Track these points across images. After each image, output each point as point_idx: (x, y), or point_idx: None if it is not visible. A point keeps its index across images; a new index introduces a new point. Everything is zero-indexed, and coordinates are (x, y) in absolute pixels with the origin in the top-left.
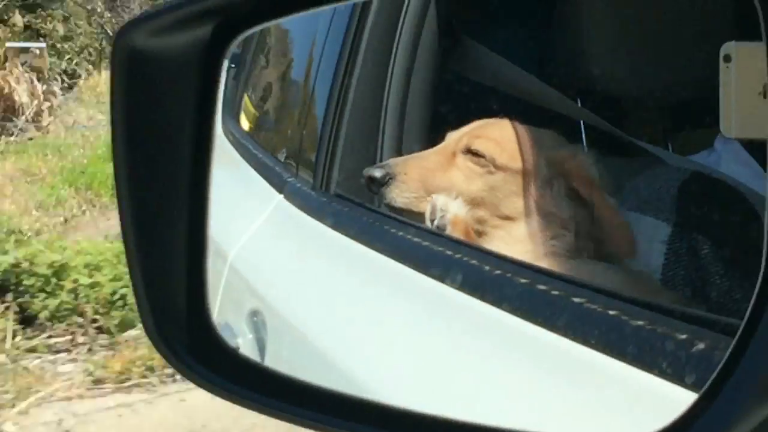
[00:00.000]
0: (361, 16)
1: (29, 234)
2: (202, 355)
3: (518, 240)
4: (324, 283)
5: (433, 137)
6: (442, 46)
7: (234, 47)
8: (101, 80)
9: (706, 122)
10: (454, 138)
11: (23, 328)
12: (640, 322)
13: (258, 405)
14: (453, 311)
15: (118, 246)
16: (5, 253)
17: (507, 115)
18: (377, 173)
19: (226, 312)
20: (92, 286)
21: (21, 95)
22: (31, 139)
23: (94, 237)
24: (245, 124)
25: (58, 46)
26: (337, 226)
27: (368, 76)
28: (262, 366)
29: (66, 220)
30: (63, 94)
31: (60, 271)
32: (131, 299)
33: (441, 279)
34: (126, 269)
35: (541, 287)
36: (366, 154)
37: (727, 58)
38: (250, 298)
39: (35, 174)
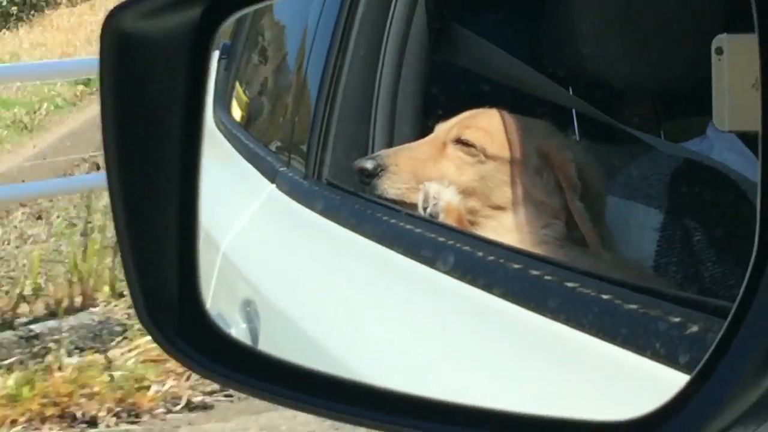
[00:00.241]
0: (352, 4)
1: None
2: (195, 339)
3: (510, 229)
4: (316, 272)
5: (424, 125)
6: (432, 34)
7: (224, 30)
8: None
9: (698, 110)
10: (445, 128)
11: None
12: (633, 306)
13: (252, 389)
14: (445, 297)
15: None
16: None
17: (498, 103)
18: (368, 165)
19: (219, 302)
20: None
21: None
22: None
23: None
24: (237, 113)
25: None
26: (329, 215)
27: (359, 65)
28: (256, 350)
29: None
30: None
31: None
32: None
33: (433, 265)
34: None
35: (534, 272)
36: (358, 142)
37: (719, 51)
38: (243, 287)
39: None
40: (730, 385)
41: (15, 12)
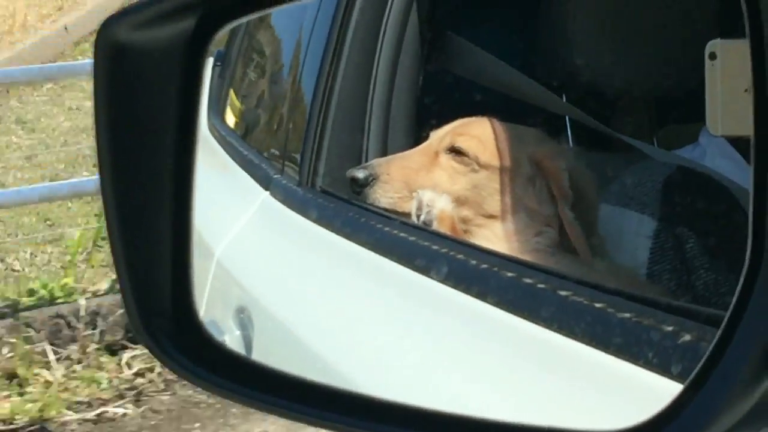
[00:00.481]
0: (345, 12)
1: None
2: (189, 348)
3: (502, 238)
4: (310, 279)
5: (417, 132)
6: (426, 42)
7: (217, 41)
8: None
9: (690, 117)
10: (437, 137)
11: None
12: (627, 315)
13: (246, 398)
14: (439, 305)
15: None
16: None
17: (491, 111)
18: (360, 174)
19: (213, 309)
20: None
21: None
22: None
23: None
24: (231, 120)
25: None
26: (322, 222)
27: (353, 72)
28: (250, 359)
29: None
30: None
31: None
32: None
33: (427, 273)
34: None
35: (527, 280)
36: (352, 149)
37: (713, 56)
38: (237, 294)
39: None
40: (723, 395)
41: None
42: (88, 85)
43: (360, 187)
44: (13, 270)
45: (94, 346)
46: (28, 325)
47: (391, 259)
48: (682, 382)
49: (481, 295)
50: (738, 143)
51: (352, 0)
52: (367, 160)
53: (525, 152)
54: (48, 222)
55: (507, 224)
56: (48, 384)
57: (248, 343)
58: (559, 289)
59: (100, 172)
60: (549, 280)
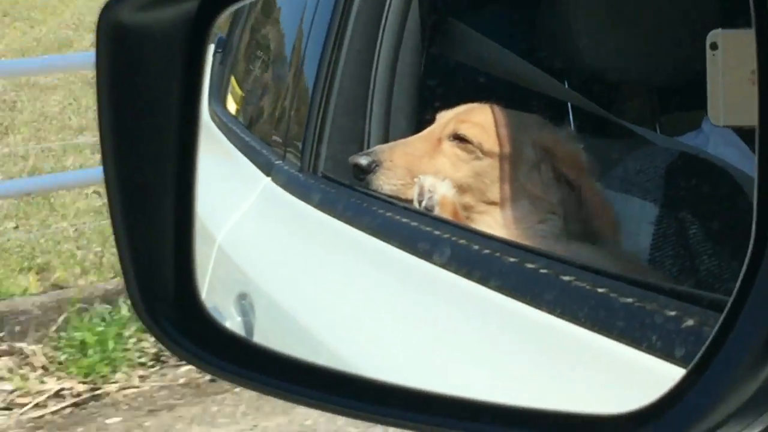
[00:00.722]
0: None
1: None
2: (191, 330)
3: (505, 225)
4: (312, 265)
5: (420, 118)
6: (428, 28)
7: (219, 26)
8: None
9: (693, 104)
10: (440, 123)
11: None
12: (629, 300)
13: (248, 381)
14: (441, 290)
15: None
16: None
17: (493, 98)
18: (363, 161)
19: (214, 295)
20: None
21: None
22: None
23: None
24: (232, 106)
25: None
26: (324, 208)
27: (355, 58)
28: (252, 342)
29: None
30: None
31: None
32: None
33: (429, 258)
34: None
35: (530, 266)
36: (353, 135)
37: (714, 46)
38: (238, 280)
39: None
40: (726, 379)
41: None
42: None
43: (363, 173)
44: None
45: None
46: None
47: (393, 245)
48: (685, 367)
49: (484, 280)
50: (741, 130)
51: None
52: (368, 146)
53: (528, 139)
54: None
55: (510, 211)
56: None
57: (249, 329)
58: (562, 274)
59: (103, 156)
60: (552, 265)
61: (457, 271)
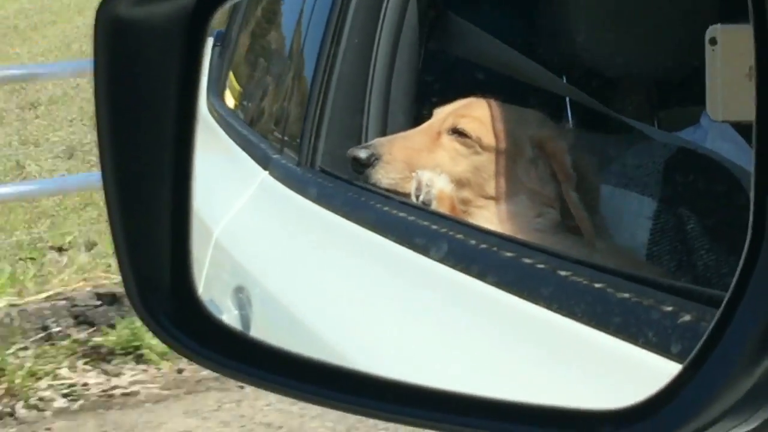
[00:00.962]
0: None
1: None
2: (187, 324)
3: (503, 219)
4: (309, 258)
5: (418, 113)
6: (426, 22)
7: (218, 20)
8: None
9: (692, 99)
10: (440, 117)
11: None
12: (626, 295)
13: (245, 375)
14: (438, 284)
15: None
16: None
17: (492, 92)
18: (362, 154)
19: (211, 288)
20: None
21: None
22: None
23: None
24: (230, 100)
25: None
26: (322, 201)
27: (354, 51)
28: (249, 336)
29: None
30: None
31: None
32: None
33: (426, 252)
34: None
35: (527, 261)
36: (351, 129)
37: (713, 41)
38: (236, 274)
39: None
40: (722, 375)
41: None
42: None
43: (362, 167)
44: None
45: None
46: None
47: (391, 239)
48: (681, 362)
49: (481, 275)
50: (739, 125)
51: None
52: (367, 140)
53: (526, 134)
54: None
55: (508, 206)
56: None
57: (246, 323)
58: (559, 269)
59: (100, 150)
60: (549, 260)
61: (454, 266)
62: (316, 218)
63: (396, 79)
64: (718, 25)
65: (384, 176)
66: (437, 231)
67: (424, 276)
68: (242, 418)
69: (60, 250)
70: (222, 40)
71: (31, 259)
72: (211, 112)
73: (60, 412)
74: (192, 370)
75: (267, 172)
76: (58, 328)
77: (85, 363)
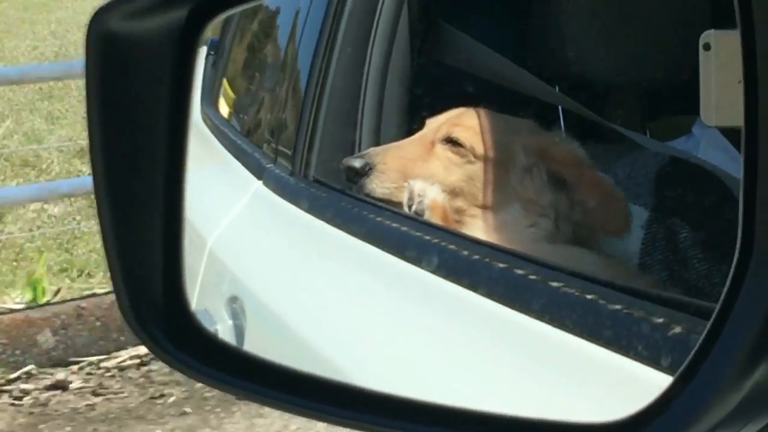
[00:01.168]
0: (339, 2)
1: None
2: (180, 338)
3: (497, 228)
4: (303, 269)
5: (411, 123)
6: (419, 31)
7: (211, 32)
8: None
9: (684, 108)
10: (433, 127)
11: None
12: (617, 306)
13: (236, 389)
14: (431, 296)
15: None
16: None
17: (485, 102)
18: (356, 163)
19: (205, 299)
20: None
21: None
22: None
23: None
24: (224, 109)
25: None
26: (315, 212)
27: (347, 62)
28: (241, 350)
29: None
30: None
31: None
32: None
33: (418, 263)
34: None
35: (519, 272)
36: (345, 139)
37: (707, 47)
38: (229, 284)
39: None
40: (713, 387)
41: None
42: None
43: (356, 176)
44: None
45: None
46: None
47: (383, 250)
48: (671, 375)
49: (472, 287)
50: (731, 135)
51: None
52: (360, 150)
53: (519, 143)
54: None
55: (501, 215)
56: None
57: (240, 333)
58: (551, 280)
59: (92, 161)
60: (540, 271)
61: (446, 277)
62: (309, 228)
63: (389, 90)
64: (712, 31)
65: (378, 186)
66: (429, 241)
67: (417, 287)
68: None
69: None
70: (216, 49)
71: None
72: (205, 121)
73: None
74: None
75: (261, 182)
76: None
77: None
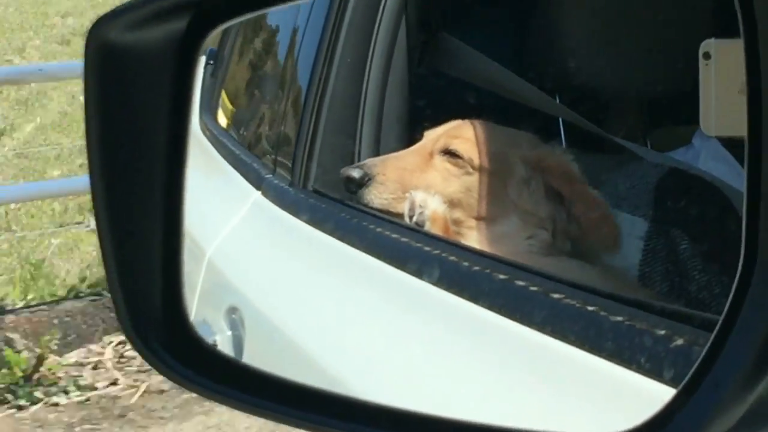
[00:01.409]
0: (338, 13)
1: None
2: (179, 351)
3: (494, 240)
4: (302, 280)
5: (410, 133)
6: (419, 41)
7: (210, 41)
8: None
9: (684, 119)
10: (432, 138)
11: None
12: (619, 318)
13: (235, 402)
14: (431, 307)
15: None
16: None
17: (484, 112)
18: (355, 174)
19: (204, 309)
20: None
21: None
22: None
23: None
24: (223, 120)
25: None
26: (314, 223)
27: (346, 72)
28: (240, 363)
29: None
30: None
31: None
32: None
33: (419, 275)
34: None
35: (520, 283)
36: (344, 149)
37: (707, 56)
38: (228, 295)
39: None
40: (716, 401)
41: None
42: None
43: (355, 186)
44: None
45: None
46: None
47: (384, 261)
48: (674, 387)
49: (474, 298)
50: (731, 145)
51: (344, 1)
52: (359, 161)
53: (518, 155)
54: None
55: (499, 226)
56: None
57: (239, 343)
58: (552, 291)
59: (91, 173)
60: (542, 282)
61: (447, 288)
62: (308, 239)
63: (389, 99)
64: (712, 40)
65: (377, 196)
66: (430, 253)
67: (417, 298)
68: None
69: None
70: (215, 58)
71: None
72: (204, 131)
73: None
74: None
75: (260, 192)
76: None
77: None
